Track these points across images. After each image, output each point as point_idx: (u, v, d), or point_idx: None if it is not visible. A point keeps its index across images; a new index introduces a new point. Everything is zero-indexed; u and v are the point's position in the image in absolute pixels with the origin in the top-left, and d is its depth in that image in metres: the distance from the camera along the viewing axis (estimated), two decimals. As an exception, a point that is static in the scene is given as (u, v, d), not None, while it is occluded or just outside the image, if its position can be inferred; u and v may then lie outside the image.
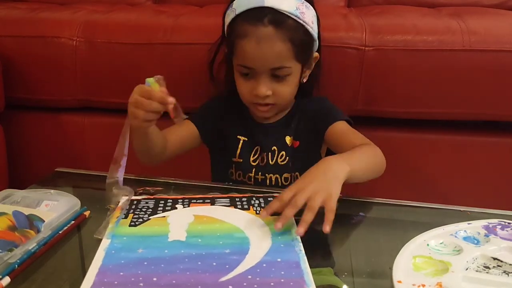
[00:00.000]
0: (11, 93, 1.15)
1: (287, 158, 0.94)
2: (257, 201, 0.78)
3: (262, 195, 0.80)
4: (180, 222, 0.71)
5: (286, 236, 0.66)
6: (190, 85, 1.06)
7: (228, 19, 0.89)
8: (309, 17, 0.87)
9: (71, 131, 1.20)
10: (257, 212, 0.74)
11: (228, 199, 0.79)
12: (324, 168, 0.71)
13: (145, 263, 0.60)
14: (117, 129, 1.12)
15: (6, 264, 0.60)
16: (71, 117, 1.20)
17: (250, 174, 0.95)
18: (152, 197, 0.80)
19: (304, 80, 0.93)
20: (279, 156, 0.94)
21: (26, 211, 0.70)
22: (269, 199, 0.78)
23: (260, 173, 0.94)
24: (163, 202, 0.78)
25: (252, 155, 0.96)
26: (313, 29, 0.89)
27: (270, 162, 0.94)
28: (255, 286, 0.56)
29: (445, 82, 1.05)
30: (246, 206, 0.76)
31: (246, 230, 0.68)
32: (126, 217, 0.73)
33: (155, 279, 0.57)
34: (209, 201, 0.78)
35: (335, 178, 0.70)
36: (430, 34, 1.05)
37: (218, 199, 0.79)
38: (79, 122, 1.20)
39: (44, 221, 0.69)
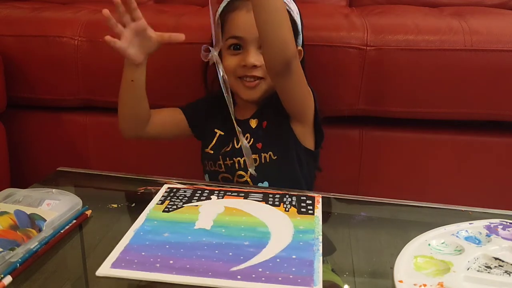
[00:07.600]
0: (13, 93, 1.15)
1: (252, 139, 0.93)
2: (289, 199, 0.80)
3: (295, 193, 0.82)
4: (210, 212, 0.75)
5: (308, 235, 0.68)
6: (191, 85, 1.06)
7: (223, 3, 0.93)
8: (293, 8, 0.91)
9: (72, 131, 1.21)
10: (287, 209, 0.76)
11: (262, 195, 0.81)
12: None
13: (167, 246, 0.65)
14: (118, 128, 1.11)
15: (7, 263, 0.60)
16: (73, 117, 1.20)
17: (219, 162, 0.95)
18: (191, 187, 0.83)
19: None
20: (244, 138, 0.93)
21: (28, 210, 0.71)
22: (301, 197, 0.80)
23: (227, 159, 0.94)
24: (199, 192, 0.82)
25: (225, 148, 0.96)
26: (296, 21, 0.91)
27: (236, 146, 0.94)
28: (263, 278, 0.58)
29: (446, 82, 1.05)
30: (277, 203, 0.78)
31: (270, 225, 0.70)
32: (162, 203, 0.78)
33: (171, 262, 0.61)
34: (243, 194, 0.81)
35: None
36: (432, 34, 1.05)
37: (252, 194, 0.81)
38: (81, 121, 1.20)
39: (45, 220, 0.69)
